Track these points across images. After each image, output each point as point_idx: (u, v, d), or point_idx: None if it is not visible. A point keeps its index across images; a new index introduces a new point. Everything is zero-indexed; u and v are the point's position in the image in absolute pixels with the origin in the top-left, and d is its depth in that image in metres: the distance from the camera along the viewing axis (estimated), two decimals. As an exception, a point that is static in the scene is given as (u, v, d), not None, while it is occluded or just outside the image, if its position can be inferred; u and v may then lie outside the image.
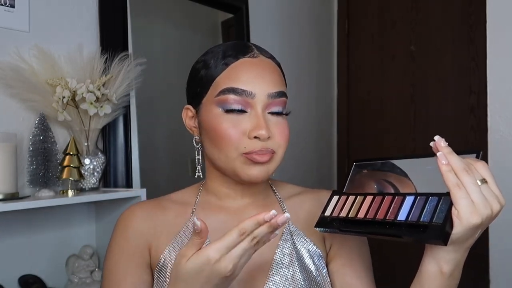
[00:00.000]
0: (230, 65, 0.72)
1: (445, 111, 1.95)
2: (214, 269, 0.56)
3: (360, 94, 2.28)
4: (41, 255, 1.22)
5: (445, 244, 0.55)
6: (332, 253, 0.78)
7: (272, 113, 0.72)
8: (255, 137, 0.69)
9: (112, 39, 1.35)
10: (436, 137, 0.60)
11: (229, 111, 0.70)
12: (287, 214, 0.57)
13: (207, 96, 0.73)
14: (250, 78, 0.70)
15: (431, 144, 0.60)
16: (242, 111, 0.70)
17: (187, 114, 0.79)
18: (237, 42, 0.76)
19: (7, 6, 1.16)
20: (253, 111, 0.70)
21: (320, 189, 0.86)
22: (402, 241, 0.60)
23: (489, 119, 1.51)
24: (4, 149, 1.04)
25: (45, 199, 1.06)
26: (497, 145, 1.49)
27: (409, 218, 0.59)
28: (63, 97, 1.14)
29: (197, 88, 0.75)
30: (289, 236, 0.76)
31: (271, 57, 0.76)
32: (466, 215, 0.54)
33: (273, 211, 0.56)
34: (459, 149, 0.60)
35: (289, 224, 0.78)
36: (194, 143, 0.79)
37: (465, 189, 0.55)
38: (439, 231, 0.55)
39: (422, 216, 0.58)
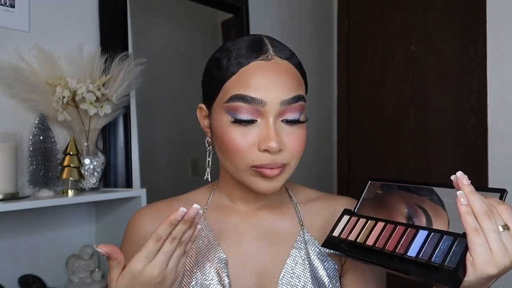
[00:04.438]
0: (240, 69, 0.66)
1: (445, 111, 1.94)
2: (141, 280, 0.57)
3: (360, 94, 2.28)
4: (41, 255, 1.22)
5: None
6: (346, 266, 0.75)
7: (287, 122, 0.66)
8: (265, 150, 0.64)
9: (112, 39, 1.35)
10: (459, 173, 0.55)
11: (238, 121, 0.65)
12: (195, 205, 0.56)
13: (217, 100, 0.68)
14: (261, 84, 0.64)
15: (452, 177, 0.56)
16: (251, 121, 0.65)
17: (201, 113, 0.74)
18: (253, 40, 0.69)
19: (7, 6, 1.16)
20: (264, 120, 0.65)
21: (338, 196, 0.82)
22: (409, 278, 0.57)
23: (489, 119, 1.50)
24: (4, 149, 1.04)
25: (45, 199, 1.06)
26: (497, 145, 1.49)
27: (420, 255, 0.57)
28: (63, 97, 1.14)
29: (209, 88, 0.70)
30: (302, 245, 0.73)
31: (289, 57, 0.69)
32: (481, 263, 0.51)
33: (182, 209, 0.56)
34: (482, 186, 0.56)
35: (303, 231, 0.74)
36: (206, 144, 0.74)
37: (484, 235, 0.51)
38: (450, 276, 0.52)
39: (434, 256, 0.55)
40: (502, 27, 1.47)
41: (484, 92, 1.54)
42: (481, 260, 0.51)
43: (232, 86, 0.65)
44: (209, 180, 0.76)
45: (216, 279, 0.69)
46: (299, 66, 0.70)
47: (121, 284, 0.58)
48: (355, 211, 0.71)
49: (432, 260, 0.55)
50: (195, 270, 0.71)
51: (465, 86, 1.87)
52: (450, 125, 1.93)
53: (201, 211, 0.57)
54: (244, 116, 0.64)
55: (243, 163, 0.65)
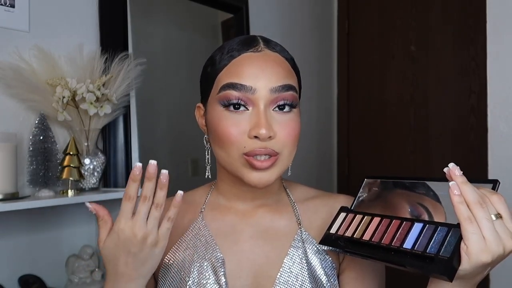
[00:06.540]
0: (232, 61, 0.68)
1: (445, 111, 1.94)
2: (123, 238, 0.61)
3: (360, 94, 2.28)
4: (41, 255, 1.22)
5: (451, 280, 0.52)
6: (344, 264, 0.75)
7: (278, 109, 0.67)
8: (256, 137, 0.65)
9: (112, 39, 1.35)
10: (451, 165, 0.56)
11: (229, 107, 0.66)
12: (151, 161, 0.61)
13: (211, 93, 0.70)
14: (250, 72, 0.66)
15: (445, 170, 0.57)
16: (242, 108, 0.66)
17: (199, 112, 0.76)
18: (245, 37, 0.72)
19: (7, 6, 1.16)
20: (255, 108, 0.66)
21: (336, 195, 0.82)
22: (406, 271, 0.58)
23: (489, 119, 1.51)
24: (4, 149, 1.04)
25: (45, 199, 1.06)
26: (497, 145, 1.49)
27: (415, 247, 0.57)
28: (63, 97, 1.14)
29: (204, 85, 0.73)
30: (300, 244, 0.72)
31: (280, 51, 0.71)
32: (475, 252, 0.51)
33: (137, 164, 0.61)
34: (474, 178, 0.57)
35: (301, 230, 0.74)
36: (205, 142, 0.76)
37: (477, 224, 0.52)
38: (445, 265, 0.52)
39: (429, 247, 0.56)
40: (502, 27, 1.47)
41: (484, 92, 1.54)
42: (475, 248, 0.51)
43: (224, 77, 0.68)
44: (210, 177, 0.77)
45: (213, 278, 0.69)
46: (291, 61, 0.72)
47: (107, 244, 0.62)
48: (351, 208, 0.71)
49: (427, 251, 0.55)
50: (192, 269, 0.71)
51: (465, 86, 1.87)
52: (450, 125, 1.93)
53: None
54: (234, 103, 0.67)
55: (235, 151, 0.66)
